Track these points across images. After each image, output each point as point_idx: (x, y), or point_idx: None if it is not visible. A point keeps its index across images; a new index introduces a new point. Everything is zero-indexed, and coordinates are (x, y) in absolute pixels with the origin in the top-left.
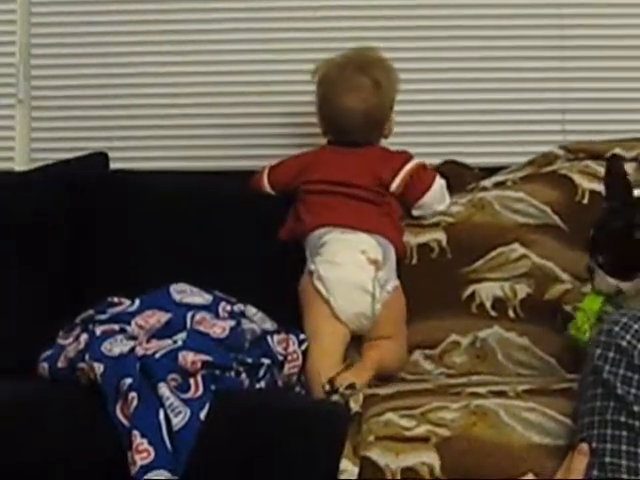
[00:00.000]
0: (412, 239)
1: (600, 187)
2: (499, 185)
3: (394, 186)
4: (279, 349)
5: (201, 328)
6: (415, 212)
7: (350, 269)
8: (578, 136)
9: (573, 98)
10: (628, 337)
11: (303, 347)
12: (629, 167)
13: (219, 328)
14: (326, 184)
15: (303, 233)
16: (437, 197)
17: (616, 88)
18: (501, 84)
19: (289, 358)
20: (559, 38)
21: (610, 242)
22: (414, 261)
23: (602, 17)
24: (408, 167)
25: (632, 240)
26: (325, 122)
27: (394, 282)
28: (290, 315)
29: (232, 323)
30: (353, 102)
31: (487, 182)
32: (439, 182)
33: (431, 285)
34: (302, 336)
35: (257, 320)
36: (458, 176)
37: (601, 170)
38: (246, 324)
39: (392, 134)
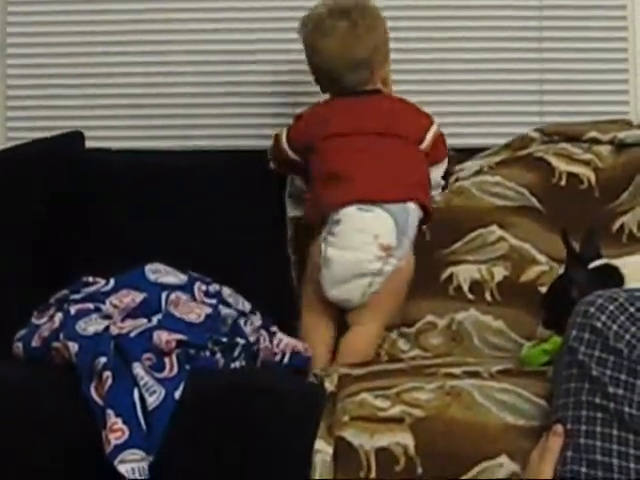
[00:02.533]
0: None
1: (576, 169)
2: (475, 173)
3: (425, 144)
4: (251, 339)
5: (177, 313)
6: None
7: (358, 257)
8: (556, 117)
9: (551, 79)
10: (603, 318)
11: (275, 341)
12: (604, 149)
13: (195, 315)
14: (344, 137)
15: (323, 215)
16: (440, 174)
17: (594, 70)
18: (479, 65)
19: (262, 349)
20: (537, 19)
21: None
22: None
23: (579, 9)
24: (435, 129)
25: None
26: (314, 73)
27: (399, 260)
28: (272, 295)
29: (209, 310)
30: (330, 44)
31: (462, 173)
32: (446, 161)
33: None
34: (273, 328)
35: (232, 302)
36: None
37: (577, 152)
38: (224, 310)
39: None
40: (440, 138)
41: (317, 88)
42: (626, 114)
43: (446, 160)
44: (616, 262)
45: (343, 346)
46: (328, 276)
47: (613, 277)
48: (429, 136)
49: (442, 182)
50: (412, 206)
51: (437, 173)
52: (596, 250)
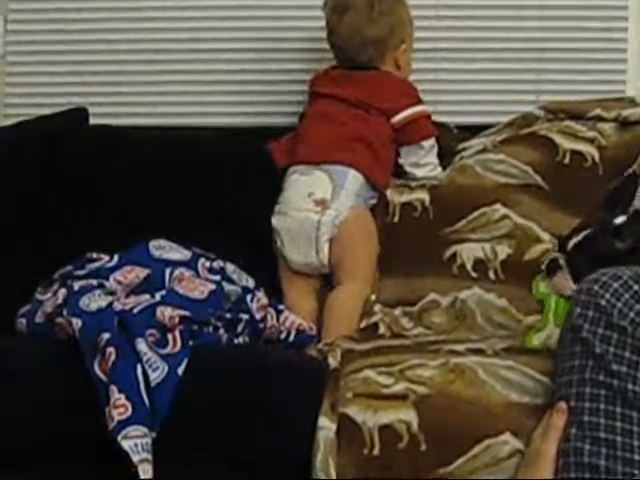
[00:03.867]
0: (396, 198)
1: (580, 147)
2: (479, 152)
3: (397, 119)
4: (257, 317)
5: (180, 290)
6: (403, 159)
7: (296, 217)
8: (553, 96)
9: (548, 58)
10: (607, 296)
11: (282, 319)
12: (608, 127)
13: (198, 292)
14: (320, 100)
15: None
16: (424, 153)
17: (591, 49)
18: (477, 44)
19: (267, 327)
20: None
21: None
22: (396, 219)
23: None
24: (415, 110)
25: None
26: (332, 49)
27: (349, 211)
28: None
29: (212, 287)
30: (345, 20)
31: (466, 152)
32: (433, 141)
33: (413, 244)
34: (280, 307)
35: (236, 278)
36: (438, 137)
37: (581, 130)
38: (227, 286)
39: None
40: (421, 120)
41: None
42: (623, 93)
43: (430, 142)
44: None
45: (326, 309)
46: (281, 245)
47: None
48: (405, 114)
49: (433, 162)
50: (352, 171)
51: (421, 154)
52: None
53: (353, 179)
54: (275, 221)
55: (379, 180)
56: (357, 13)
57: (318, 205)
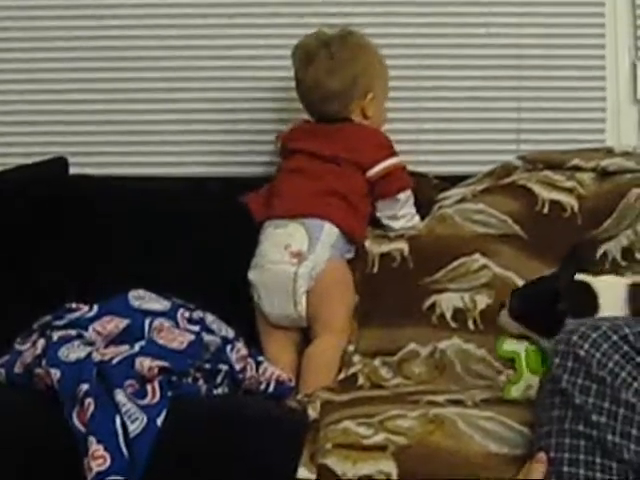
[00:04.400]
0: (375, 248)
1: (559, 197)
2: (458, 202)
3: (372, 172)
4: (237, 367)
5: (160, 340)
6: (379, 212)
7: (273, 270)
8: (533, 146)
9: (528, 108)
10: (586, 346)
11: (261, 370)
12: (587, 177)
13: (178, 342)
14: (292, 152)
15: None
16: (400, 205)
17: (571, 98)
18: (458, 93)
19: (247, 377)
20: (516, 49)
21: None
22: (375, 269)
23: (557, 37)
24: (391, 162)
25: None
26: (300, 99)
27: (326, 263)
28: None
29: (192, 337)
30: (309, 72)
31: (446, 201)
32: (409, 192)
33: (392, 294)
34: (260, 357)
35: (215, 328)
36: (417, 188)
37: (560, 180)
38: (206, 337)
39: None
40: (397, 172)
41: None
42: (603, 142)
43: (407, 193)
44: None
45: (304, 362)
46: (259, 299)
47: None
48: (379, 167)
49: (410, 212)
50: (327, 224)
51: (397, 206)
52: (579, 267)
53: (329, 231)
54: (252, 275)
55: (355, 233)
56: (319, 64)
57: (294, 257)
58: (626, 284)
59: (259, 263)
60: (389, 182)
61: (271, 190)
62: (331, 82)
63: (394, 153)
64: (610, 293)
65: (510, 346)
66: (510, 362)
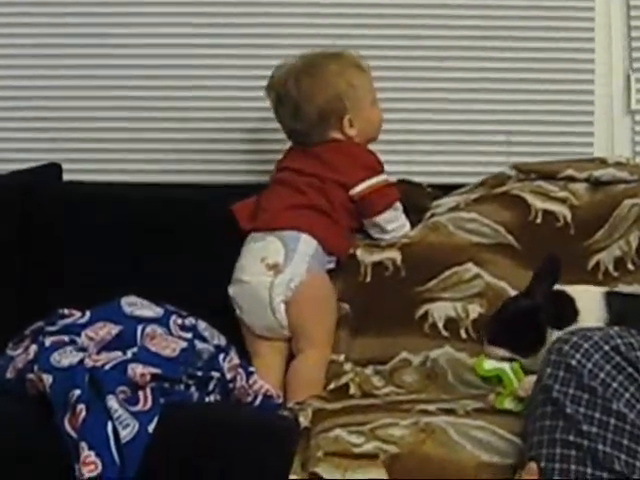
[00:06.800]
0: (367, 257)
1: (552, 207)
2: (451, 210)
3: (355, 191)
4: (228, 376)
5: (152, 347)
6: (368, 229)
7: (251, 282)
8: (522, 158)
9: (518, 120)
10: (578, 356)
11: (251, 381)
12: (580, 187)
13: (170, 349)
14: (279, 170)
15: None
16: (387, 221)
17: (560, 111)
18: (450, 105)
19: (236, 387)
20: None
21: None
22: (368, 279)
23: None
24: (375, 180)
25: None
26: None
27: (305, 274)
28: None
29: (184, 345)
30: (279, 112)
31: (439, 209)
32: (397, 204)
33: (384, 303)
34: (251, 368)
35: (208, 335)
36: (411, 196)
37: (553, 190)
38: (199, 344)
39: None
40: (381, 190)
41: None
42: (590, 155)
43: (395, 206)
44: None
45: (289, 376)
46: (240, 312)
47: (564, 299)
48: (362, 187)
49: (400, 222)
50: (304, 236)
51: (383, 224)
52: (555, 278)
53: (305, 243)
54: (231, 290)
55: (334, 246)
56: (284, 111)
57: (271, 269)
58: (600, 292)
59: (237, 277)
60: (373, 201)
61: (258, 202)
62: (299, 124)
63: (378, 171)
64: (586, 296)
65: (490, 364)
66: (496, 379)
